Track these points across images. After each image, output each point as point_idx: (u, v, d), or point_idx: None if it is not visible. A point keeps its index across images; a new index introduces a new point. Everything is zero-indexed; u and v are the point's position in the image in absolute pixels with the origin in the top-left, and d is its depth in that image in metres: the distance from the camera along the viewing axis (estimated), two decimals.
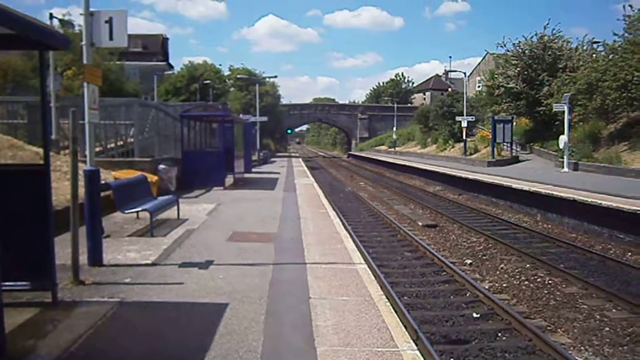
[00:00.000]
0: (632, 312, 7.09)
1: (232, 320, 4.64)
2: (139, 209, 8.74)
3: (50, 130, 15.39)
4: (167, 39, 66.75)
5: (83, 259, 6.07)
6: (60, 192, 8.83)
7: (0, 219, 4.14)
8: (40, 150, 5.00)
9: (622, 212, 11.52)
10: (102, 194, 7.20)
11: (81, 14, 6.34)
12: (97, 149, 14.86)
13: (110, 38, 6.39)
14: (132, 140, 17.06)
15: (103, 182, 8.13)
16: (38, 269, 4.85)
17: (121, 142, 17.17)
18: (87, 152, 6.58)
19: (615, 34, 24.05)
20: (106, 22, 6.32)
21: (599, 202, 12.39)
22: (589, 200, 12.80)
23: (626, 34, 24.35)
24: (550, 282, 8.67)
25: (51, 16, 23.21)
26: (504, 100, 31.55)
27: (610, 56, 23.75)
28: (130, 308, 5.00)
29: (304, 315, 4.84)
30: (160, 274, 6.24)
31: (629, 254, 10.66)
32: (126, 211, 8.51)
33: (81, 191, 6.06)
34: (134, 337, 4.33)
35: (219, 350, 4.01)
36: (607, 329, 6.65)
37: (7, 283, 4.26)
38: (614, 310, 7.26)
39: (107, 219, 9.24)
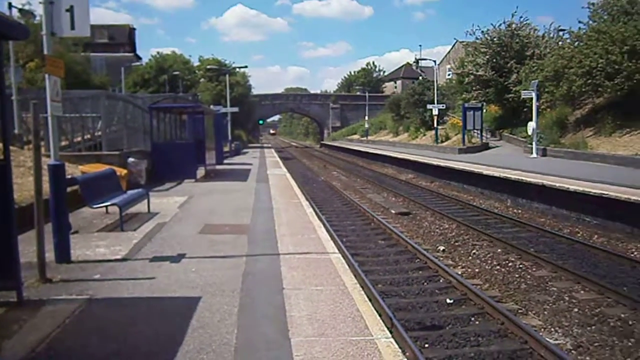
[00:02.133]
0: (599, 292, 7.28)
1: (205, 314, 4.58)
2: (108, 203, 8.55)
3: (12, 125, 14.93)
4: (134, 29, 65.54)
5: (50, 256, 5.91)
6: (25, 188, 8.59)
7: None
8: (1, 145, 4.81)
9: (588, 196, 11.81)
10: (70, 188, 7.02)
11: (40, 3, 6.10)
12: (64, 143, 14.50)
13: (72, 27, 6.16)
14: (99, 133, 16.71)
15: (69, 176, 7.94)
16: (1, 267, 4.69)
17: (88, 136, 16.82)
18: (51, 146, 6.38)
19: (580, 22, 24.58)
20: (67, 10, 6.09)
21: (566, 186, 12.67)
22: (557, 185, 13.07)
23: (590, 22, 24.87)
24: (521, 266, 8.83)
25: (10, 5, 22.49)
26: (474, 88, 31.94)
27: (576, 44, 24.23)
28: (99, 305, 4.88)
29: (278, 306, 4.81)
30: (131, 269, 6.12)
31: (595, 236, 10.95)
32: (95, 206, 8.32)
33: (46, 186, 5.88)
34: (103, 334, 4.22)
35: (192, 344, 3.95)
36: (576, 310, 6.81)
37: None
38: (582, 292, 7.44)
39: (75, 215, 9.03)
